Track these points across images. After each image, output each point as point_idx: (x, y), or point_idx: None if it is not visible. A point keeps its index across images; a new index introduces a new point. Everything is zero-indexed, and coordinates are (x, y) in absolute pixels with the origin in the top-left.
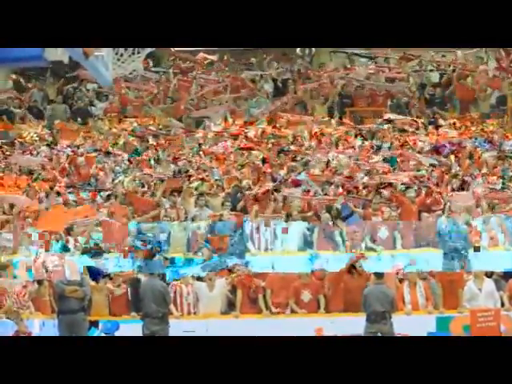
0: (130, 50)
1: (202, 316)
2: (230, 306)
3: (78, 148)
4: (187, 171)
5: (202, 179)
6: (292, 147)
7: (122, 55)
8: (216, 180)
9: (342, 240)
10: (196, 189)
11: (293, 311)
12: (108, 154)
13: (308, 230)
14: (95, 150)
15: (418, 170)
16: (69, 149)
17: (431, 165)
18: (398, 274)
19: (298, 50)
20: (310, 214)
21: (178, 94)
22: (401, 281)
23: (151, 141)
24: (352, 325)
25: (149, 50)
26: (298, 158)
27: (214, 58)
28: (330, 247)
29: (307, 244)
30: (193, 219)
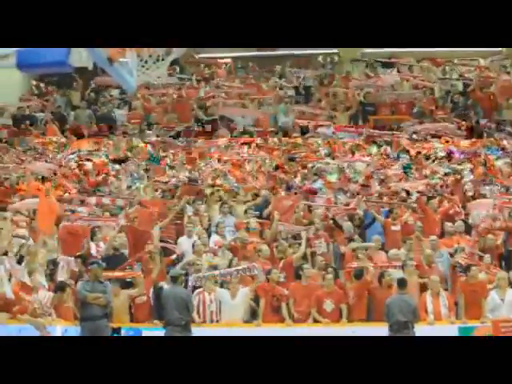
0: (155, 56)
1: (225, 324)
2: (253, 315)
3: (92, 154)
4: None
5: (214, 185)
6: (303, 154)
7: (146, 62)
8: (232, 188)
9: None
10: (214, 193)
11: (315, 320)
12: (123, 161)
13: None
14: (107, 157)
15: (433, 179)
16: (74, 155)
17: (446, 174)
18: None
19: (320, 58)
20: (330, 222)
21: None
22: (422, 290)
23: (162, 153)
24: (374, 334)
25: (174, 56)
26: (310, 166)
27: (228, 61)
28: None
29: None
30: (216, 226)
